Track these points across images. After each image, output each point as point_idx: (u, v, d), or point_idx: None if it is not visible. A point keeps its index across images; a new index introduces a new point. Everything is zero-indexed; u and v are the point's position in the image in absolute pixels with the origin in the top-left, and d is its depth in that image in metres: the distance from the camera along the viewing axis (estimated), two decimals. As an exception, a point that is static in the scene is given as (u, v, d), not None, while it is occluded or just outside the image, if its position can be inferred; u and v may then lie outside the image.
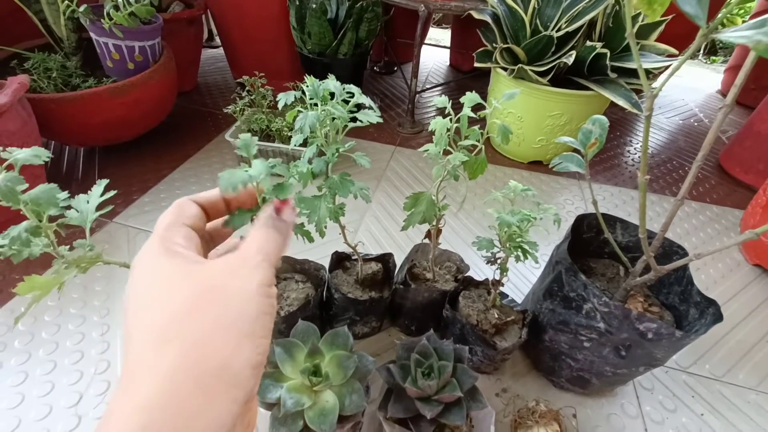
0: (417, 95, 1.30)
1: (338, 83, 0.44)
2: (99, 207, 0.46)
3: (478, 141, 0.53)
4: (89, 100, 0.90)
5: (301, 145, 0.47)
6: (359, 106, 0.44)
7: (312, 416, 0.42)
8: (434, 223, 0.60)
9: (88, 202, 0.46)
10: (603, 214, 0.64)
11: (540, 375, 0.65)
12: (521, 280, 0.82)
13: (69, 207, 0.44)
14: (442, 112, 1.47)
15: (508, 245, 0.51)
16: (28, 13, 0.97)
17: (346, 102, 0.44)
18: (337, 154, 0.46)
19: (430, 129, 0.52)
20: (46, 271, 0.76)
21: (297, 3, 1.06)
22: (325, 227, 0.47)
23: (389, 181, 1.08)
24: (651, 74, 0.97)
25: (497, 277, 0.57)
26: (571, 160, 0.55)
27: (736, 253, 0.92)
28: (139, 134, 1.08)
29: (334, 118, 0.44)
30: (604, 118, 0.53)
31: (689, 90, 1.78)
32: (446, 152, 0.52)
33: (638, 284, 0.55)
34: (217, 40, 1.93)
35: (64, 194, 0.42)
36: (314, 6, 0.97)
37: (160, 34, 1.05)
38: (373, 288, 0.67)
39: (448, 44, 1.81)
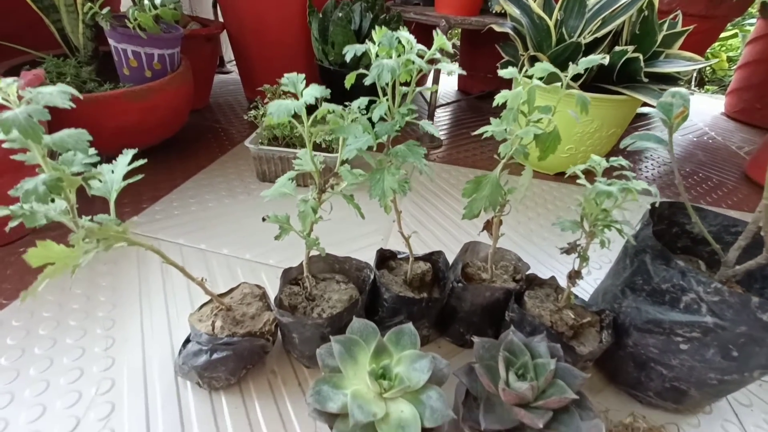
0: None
1: (411, 36, 0.39)
2: (126, 177, 0.40)
3: (550, 114, 0.48)
4: (105, 103, 0.85)
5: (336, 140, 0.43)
6: (432, 62, 0.40)
7: (387, 430, 0.33)
8: (498, 210, 0.53)
9: (113, 171, 0.40)
10: (675, 203, 0.59)
11: (620, 389, 0.56)
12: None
13: (96, 164, 0.37)
14: (456, 132, 1.46)
15: (596, 225, 0.44)
16: (45, 22, 0.95)
17: (420, 56, 0.39)
18: (406, 118, 0.41)
19: (496, 103, 0.47)
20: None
21: (320, 15, 1.06)
22: (392, 201, 0.41)
23: (415, 192, 1.03)
24: (681, 79, 0.96)
25: (576, 268, 0.50)
26: (647, 138, 0.51)
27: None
28: (152, 143, 1.03)
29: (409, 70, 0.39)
30: (684, 89, 0.49)
31: (694, 112, 1.81)
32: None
33: (738, 274, 0.48)
34: (228, 66, 1.94)
35: (93, 150, 0.36)
36: (340, 15, 0.97)
37: (180, 44, 1.03)
38: (422, 291, 0.60)
39: (457, 69, 1.84)
